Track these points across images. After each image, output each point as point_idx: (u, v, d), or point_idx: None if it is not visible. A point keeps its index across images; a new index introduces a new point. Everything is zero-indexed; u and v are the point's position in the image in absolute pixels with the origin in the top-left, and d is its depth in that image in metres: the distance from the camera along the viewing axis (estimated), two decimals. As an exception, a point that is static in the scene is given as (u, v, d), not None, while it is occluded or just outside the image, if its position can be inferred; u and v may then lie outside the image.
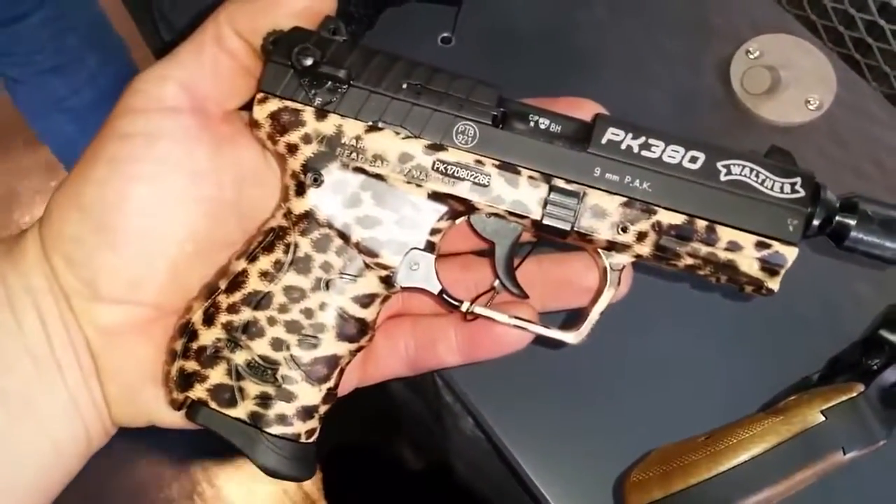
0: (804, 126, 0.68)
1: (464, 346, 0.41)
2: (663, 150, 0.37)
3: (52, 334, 0.37)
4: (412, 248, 0.38)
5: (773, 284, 0.37)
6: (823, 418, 0.48)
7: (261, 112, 0.37)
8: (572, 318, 0.41)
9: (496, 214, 0.38)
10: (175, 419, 0.39)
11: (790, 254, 0.36)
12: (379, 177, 0.37)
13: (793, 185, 0.36)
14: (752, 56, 0.70)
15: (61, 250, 0.37)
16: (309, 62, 0.36)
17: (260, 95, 0.37)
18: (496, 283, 0.40)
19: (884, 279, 0.63)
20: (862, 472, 0.52)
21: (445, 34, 0.75)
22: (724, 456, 0.48)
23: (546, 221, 0.37)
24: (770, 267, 0.37)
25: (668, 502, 0.48)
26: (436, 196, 0.38)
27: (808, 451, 0.47)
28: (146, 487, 1.50)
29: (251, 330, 0.37)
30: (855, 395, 0.49)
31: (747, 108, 0.69)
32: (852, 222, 0.37)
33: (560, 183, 0.37)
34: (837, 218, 0.37)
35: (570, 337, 0.39)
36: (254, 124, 0.38)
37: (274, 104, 0.37)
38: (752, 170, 0.36)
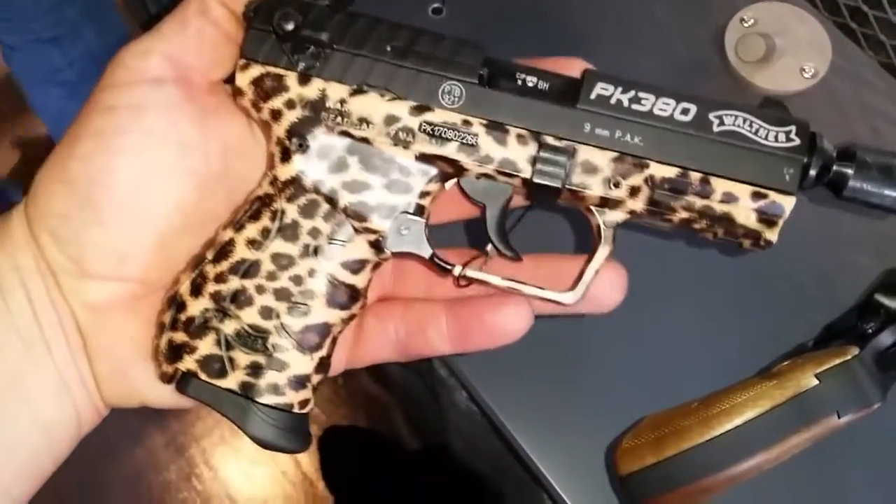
0: (799, 94, 0.68)
1: (454, 334, 0.40)
2: (654, 104, 0.36)
3: (40, 313, 0.37)
4: (402, 212, 0.38)
5: (772, 235, 0.36)
6: (817, 382, 0.48)
7: (243, 78, 0.37)
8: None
9: (486, 175, 0.38)
10: (166, 398, 0.39)
11: (788, 203, 0.36)
12: (365, 140, 0.37)
13: (787, 133, 0.36)
14: (746, 24, 0.69)
15: (47, 227, 0.36)
16: (290, 27, 0.35)
17: (241, 62, 0.37)
18: (488, 247, 0.39)
19: (880, 248, 0.63)
20: (857, 437, 0.52)
21: (436, 5, 0.74)
22: (716, 420, 0.48)
23: (536, 179, 0.36)
24: (768, 217, 0.36)
25: (660, 467, 0.48)
26: (424, 158, 0.37)
27: (802, 415, 0.47)
28: (144, 471, 1.50)
29: (239, 299, 0.37)
30: (849, 358, 0.49)
31: (742, 76, 0.68)
32: (850, 171, 0.36)
33: (549, 140, 0.36)
34: (835, 167, 0.36)
35: (567, 297, 0.39)
36: (236, 92, 0.37)
37: (256, 70, 0.37)
38: (745, 119, 0.36)
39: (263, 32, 0.36)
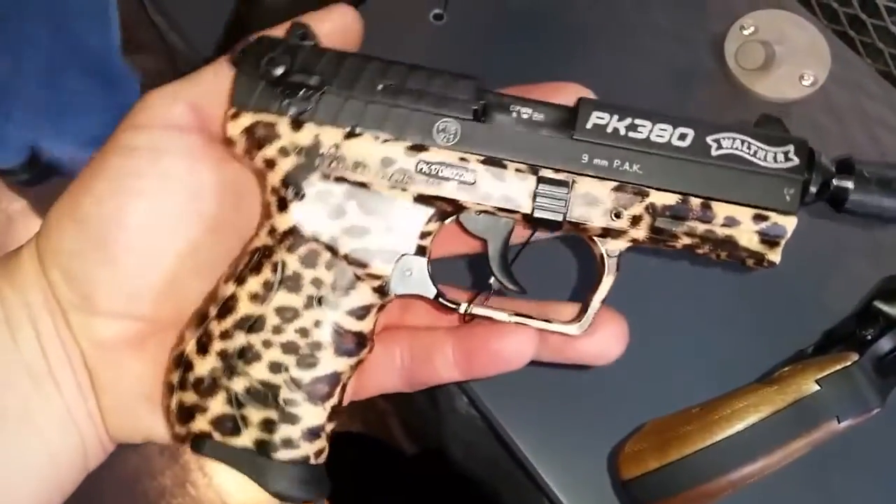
0: (798, 102, 0.68)
1: (461, 360, 0.39)
2: (651, 130, 0.36)
3: (48, 349, 0.37)
4: (403, 255, 0.37)
5: (775, 256, 0.36)
6: (818, 387, 0.48)
7: (234, 128, 0.36)
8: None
9: (486, 211, 0.37)
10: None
11: (789, 224, 0.36)
12: (362, 184, 0.36)
13: (786, 153, 0.36)
14: (746, 32, 0.70)
15: (58, 264, 0.36)
16: (279, 71, 0.35)
17: (231, 111, 0.36)
18: (492, 280, 0.39)
19: (878, 255, 0.63)
20: (856, 441, 0.52)
21: (437, 11, 0.74)
22: (718, 426, 0.48)
23: (537, 214, 0.36)
24: (770, 239, 0.36)
25: (663, 472, 0.48)
26: (422, 199, 0.36)
27: (803, 420, 0.48)
28: (139, 477, 1.50)
29: (247, 355, 0.36)
30: (849, 364, 0.49)
31: (742, 84, 0.69)
32: (850, 185, 0.36)
33: (548, 173, 0.36)
34: (834, 182, 0.36)
35: (573, 329, 0.38)
36: (228, 142, 0.37)
37: (247, 119, 0.36)
38: (743, 142, 0.36)
39: (251, 78, 0.36)
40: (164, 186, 0.36)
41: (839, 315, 0.59)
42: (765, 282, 0.62)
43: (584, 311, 0.38)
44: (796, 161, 0.36)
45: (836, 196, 0.36)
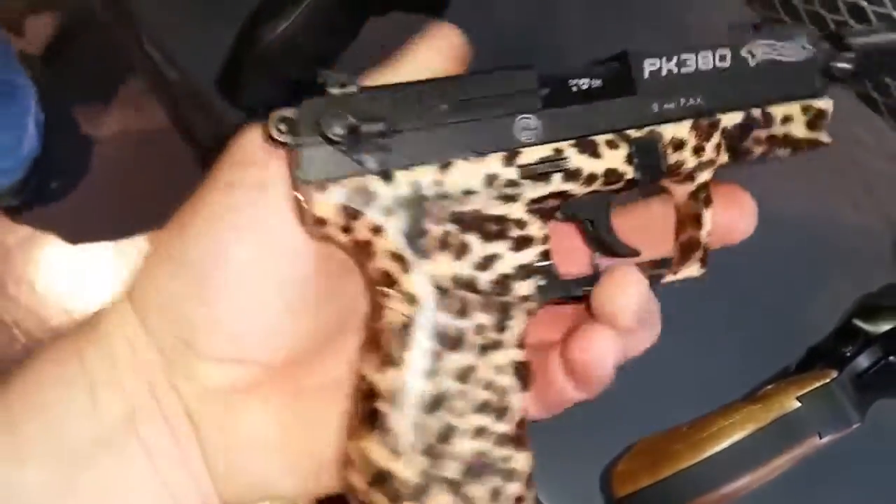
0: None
1: (566, 367, 0.37)
2: (697, 61, 0.37)
3: (138, 408, 0.33)
4: (535, 265, 0.35)
5: (826, 137, 0.39)
6: (799, 404, 0.50)
7: (324, 207, 0.32)
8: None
9: (590, 192, 0.37)
10: (295, 489, 0.36)
11: (828, 105, 0.39)
12: (474, 211, 0.34)
13: (803, 45, 0.38)
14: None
15: (155, 307, 0.34)
16: (340, 130, 0.31)
17: (313, 188, 0.32)
18: (597, 257, 0.39)
19: (858, 273, 0.65)
20: (838, 455, 0.54)
21: (428, 42, 0.76)
22: (706, 443, 0.49)
23: (639, 176, 0.36)
24: (816, 123, 0.39)
25: (655, 489, 0.50)
26: (534, 202, 0.35)
27: (786, 436, 0.49)
28: None
29: (446, 435, 0.33)
30: (829, 381, 0.51)
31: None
32: (850, 61, 0.39)
33: (634, 133, 0.36)
34: (837, 61, 0.39)
35: (695, 270, 0.40)
36: (319, 223, 0.32)
37: (335, 191, 0.32)
38: (769, 45, 0.38)
39: (316, 148, 0.32)
40: (266, 219, 0.34)
41: (821, 333, 0.60)
42: (749, 302, 0.64)
43: (690, 252, 0.39)
44: (812, 48, 0.38)
45: (839, 71, 0.39)
